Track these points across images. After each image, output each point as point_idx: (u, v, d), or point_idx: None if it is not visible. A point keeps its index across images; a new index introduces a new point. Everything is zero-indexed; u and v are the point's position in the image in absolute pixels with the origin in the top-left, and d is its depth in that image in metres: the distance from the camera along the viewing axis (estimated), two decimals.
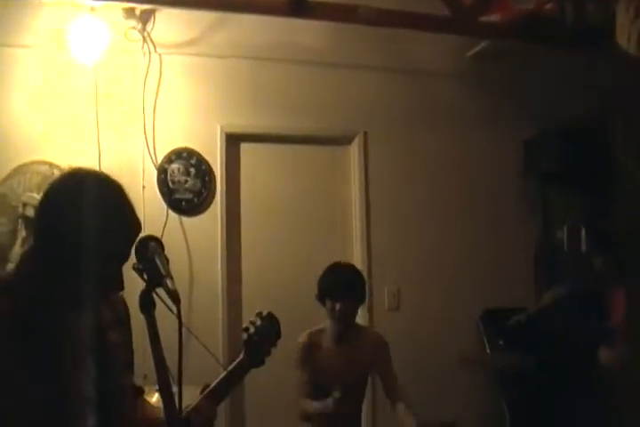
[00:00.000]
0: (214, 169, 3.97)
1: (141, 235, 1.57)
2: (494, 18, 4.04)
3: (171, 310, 1.50)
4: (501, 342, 2.83)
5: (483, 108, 4.50)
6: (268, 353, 1.90)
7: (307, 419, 3.03)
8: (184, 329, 1.45)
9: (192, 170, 3.89)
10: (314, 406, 2.93)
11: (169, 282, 1.50)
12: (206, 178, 3.92)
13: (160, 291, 1.54)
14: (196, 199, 3.89)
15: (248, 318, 1.95)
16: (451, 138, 4.43)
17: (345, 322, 3.06)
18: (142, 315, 1.57)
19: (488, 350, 4.12)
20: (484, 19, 3.97)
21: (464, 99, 4.48)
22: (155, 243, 1.58)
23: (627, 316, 3.37)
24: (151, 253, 1.55)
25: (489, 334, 4.17)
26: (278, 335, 1.93)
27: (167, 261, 1.56)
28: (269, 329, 1.91)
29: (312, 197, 4.22)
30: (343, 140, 4.32)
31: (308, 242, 4.17)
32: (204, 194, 3.91)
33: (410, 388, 3.14)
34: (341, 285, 2.99)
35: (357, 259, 4.17)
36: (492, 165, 4.50)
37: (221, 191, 3.96)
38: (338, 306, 2.98)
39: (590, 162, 4.20)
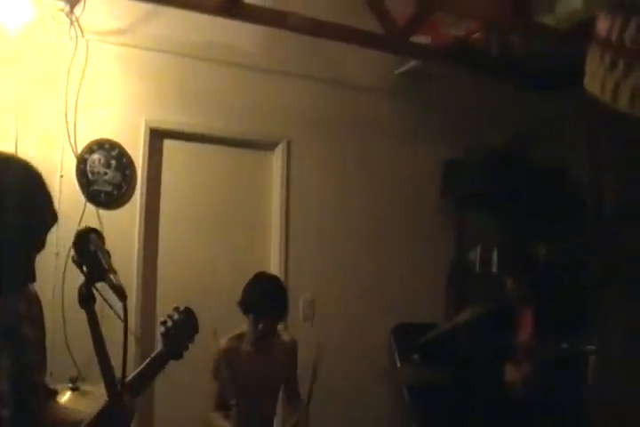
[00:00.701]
0: (136, 163, 3.81)
1: (81, 227, 1.52)
2: (425, 40, 4.14)
3: (110, 306, 1.46)
4: (416, 357, 2.83)
5: (408, 125, 4.58)
6: (186, 347, 1.86)
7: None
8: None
9: (113, 162, 3.73)
10: (216, 424, 2.87)
11: (113, 277, 1.44)
12: (127, 171, 3.77)
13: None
14: (115, 192, 3.73)
15: (162, 317, 1.92)
16: (374, 153, 4.48)
17: (266, 338, 3.03)
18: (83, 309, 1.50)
19: (398, 364, 4.17)
20: (415, 39, 4.05)
21: (390, 115, 4.55)
22: (95, 235, 1.51)
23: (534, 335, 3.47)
24: (93, 247, 1.48)
25: (400, 347, 4.22)
26: (196, 329, 1.91)
27: (109, 255, 1.50)
28: (187, 323, 1.89)
29: (233, 200, 4.14)
30: (267, 146, 4.27)
31: (226, 245, 4.08)
32: (124, 188, 3.76)
33: (323, 398, 3.10)
34: (266, 302, 2.93)
35: (274, 266, 4.12)
36: (412, 183, 4.58)
37: (142, 186, 3.81)
38: (261, 325, 2.94)
39: (508, 185, 4.32)
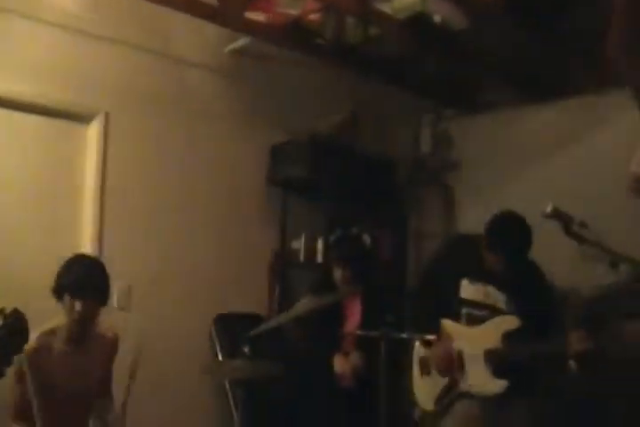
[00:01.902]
0: None
1: None
2: (260, 17, 3.97)
3: None
4: (247, 349, 2.68)
5: (236, 107, 4.38)
6: (9, 362, 1.53)
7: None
8: None
9: None
10: None
11: None
12: None
13: None
14: None
15: None
16: (200, 133, 4.23)
17: (85, 324, 2.67)
18: None
19: (220, 356, 4.00)
20: (249, 15, 3.87)
21: (218, 94, 4.32)
22: None
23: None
24: None
25: (222, 339, 4.05)
26: (25, 338, 1.57)
27: None
28: (14, 330, 1.56)
29: (40, 175, 3.68)
30: (83, 118, 3.84)
31: (31, 227, 3.62)
32: None
33: (140, 392, 2.83)
34: (85, 281, 2.60)
35: (86, 249, 3.72)
36: (238, 167, 4.40)
37: None
38: (78, 306, 2.58)
39: (333, 173, 4.29)
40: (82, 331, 2.69)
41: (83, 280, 2.60)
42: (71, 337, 2.68)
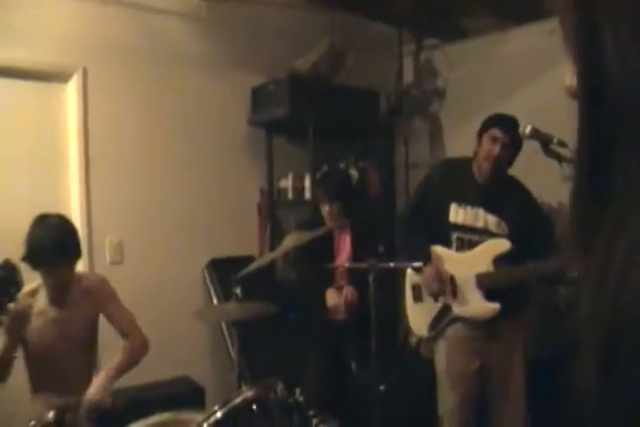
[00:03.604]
0: None
1: None
2: None
3: None
4: (238, 291, 2.70)
5: (214, 51, 4.33)
6: (6, 310, 1.55)
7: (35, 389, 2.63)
8: None
9: None
10: None
11: None
12: None
13: None
14: None
15: None
16: (178, 81, 4.18)
17: (62, 286, 2.66)
18: None
19: (215, 301, 4.06)
20: None
21: (195, 41, 4.26)
22: None
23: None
24: None
25: (216, 283, 4.10)
26: (19, 286, 1.58)
27: None
28: (7, 279, 1.56)
29: (24, 139, 3.67)
30: (60, 77, 3.80)
31: (20, 188, 3.63)
32: None
33: None
34: (56, 251, 2.50)
35: (75, 207, 3.77)
36: (219, 112, 4.36)
37: None
38: (56, 275, 2.57)
39: (316, 111, 4.23)
40: (61, 292, 2.68)
41: (53, 250, 2.49)
42: (52, 298, 2.68)
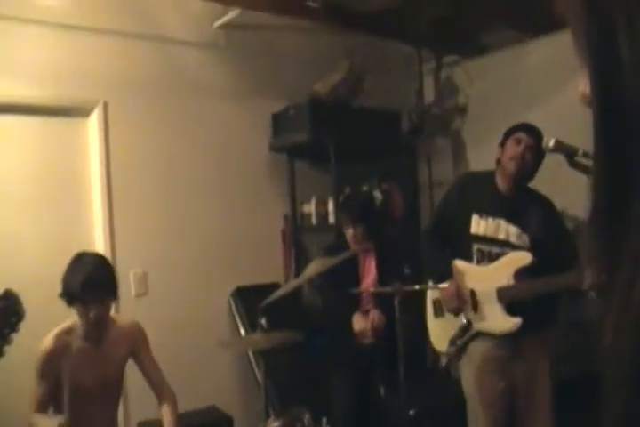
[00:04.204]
0: None
1: None
2: None
3: None
4: (263, 321, 2.65)
5: (232, 80, 4.35)
6: (7, 339, 1.52)
7: None
8: None
9: None
10: (41, 423, 2.47)
11: None
12: None
13: None
14: None
15: None
16: (198, 110, 4.20)
17: (100, 324, 2.63)
18: None
19: (242, 329, 4.01)
20: None
21: (212, 70, 4.29)
22: None
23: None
24: None
25: (242, 312, 4.06)
26: (20, 316, 1.56)
27: None
28: (7, 309, 1.54)
29: (47, 175, 3.70)
30: (81, 112, 3.84)
31: (45, 224, 3.66)
32: None
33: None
34: (92, 287, 2.51)
35: (99, 243, 3.78)
36: (241, 139, 4.37)
37: None
38: (92, 314, 2.55)
39: (337, 134, 4.21)
40: (98, 330, 2.66)
41: (90, 286, 2.50)
42: (88, 336, 2.65)
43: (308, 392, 3.27)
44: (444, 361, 3.27)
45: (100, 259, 2.71)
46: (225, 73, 4.32)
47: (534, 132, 2.92)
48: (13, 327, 1.65)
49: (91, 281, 2.51)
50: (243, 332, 4.01)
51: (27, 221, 3.61)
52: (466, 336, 2.97)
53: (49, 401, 2.59)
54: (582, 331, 3.53)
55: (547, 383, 2.93)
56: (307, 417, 2.33)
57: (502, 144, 2.99)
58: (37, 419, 2.51)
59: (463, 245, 3.00)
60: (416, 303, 3.16)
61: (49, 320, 2.70)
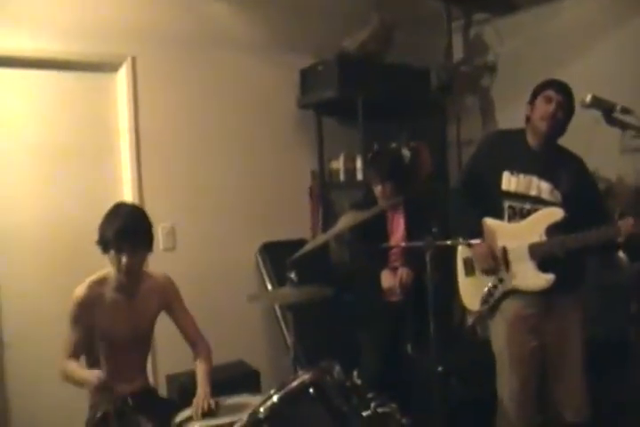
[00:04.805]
0: None
1: None
2: None
3: None
4: (293, 275, 2.65)
5: (260, 34, 4.29)
6: None
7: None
8: None
9: None
10: (79, 374, 2.51)
11: None
12: None
13: None
14: None
15: None
16: (226, 65, 4.15)
17: (133, 274, 2.65)
18: None
19: (269, 285, 4.03)
20: None
21: (241, 24, 4.23)
22: None
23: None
24: None
25: (268, 267, 4.08)
26: None
27: None
28: None
29: (76, 130, 3.69)
30: (109, 67, 3.81)
31: (74, 176, 3.67)
32: None
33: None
34: (127, 235, 2.54)
35: (128, 194, 3.79)
36: (269, 94, 4.33)
37: None
38: (124, 260, 2.56)
39: (366, 90, 4.15)
40: (131, 281, 2.68)
41: (124, 234, 2.53)
42: (121, 287, 2.68)
43: (336, 348, 3.29)
44: (470, 320, 3.26)
45: (137, 210, 2.75)
46: (254, 27, 4.25)
47: (564, 89, 2.85)
48: None
49: (125, 229, 2.54)
50: (270, 287, 4.03)
51: (56, 175, 3.62)
52: (498, 294, 2.95)
53: (82, 348, 2.62)
54: (611, 294, 3.52)
55: (578, 342, 2.91)
56: (337, 370, 2.33)
57: (531, 102, 2.93)
58: (74, 368, 2.54)
59: (494, 202, 2.96)
60: (445, 261, 3.13)
61: (82, 270, 2.75)
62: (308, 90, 4.39)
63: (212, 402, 2.52)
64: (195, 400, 2.55)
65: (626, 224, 2.61)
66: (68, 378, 2.55)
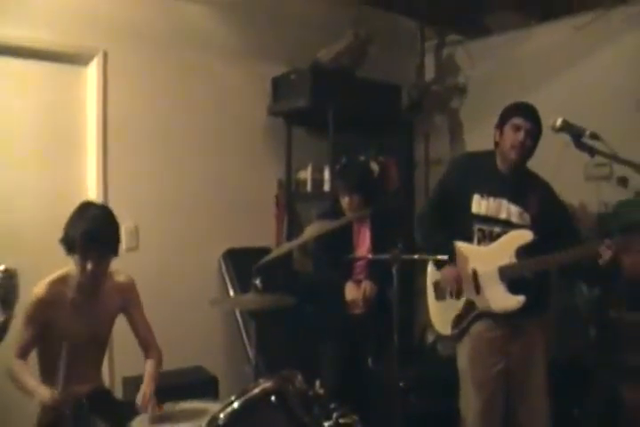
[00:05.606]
0: None
1: None
2: None
3: None
4: (258, 282, 2.63)
5: (235, 39, 4.29)
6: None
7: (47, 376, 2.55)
8: None
9: None
10: (32, 385, 2.42)
11: None
12: None
13: None
14: None
15: None
16: (199, 67, 4.13)
17: (96, 278, 2.57)
18: None
19: (230, 290, 4.00)
20: None
21: (216, 27, 4.22)
22: None
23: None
24: None
25: (231, 273, 4.05)
26: (16, 296, 1.52)
27: None
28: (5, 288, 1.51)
29: (41, 121, 3.61)
30: (80, 59, 3.73)
31: (37, 172, 3.58)
32: None
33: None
34: (94, 242, 2.45)
35: (92, 193, 3.71)
36: (239, 99, 4.32)
37: None
38: (90, 266, 2.48)
39: (337, 102, 4.17)
40: (93, 284, 2.60)
41: (91, 241, 2.44)
42: (82, 287, 2.59)
43: (296, 358, 3.27)
44: (431, 338, 3.28)
45: (105, 213, 2.61)
46: (228, 32, 4.25)
47: (531, 115, 2.87)
48: (10, 305, 1.60)
49: (92, 234, 2.44)
50: (232, 293, 4.00)
51: (19, 165, 3.52)
52: (469, 317, 2.96)
53: (32, 348, 2.55)
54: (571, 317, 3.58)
55: (542, 365, 2.93)
56: (299, 379, 2.31)
57: (499, 127, 2.94)
58: (28, 377, 2.46)
59: (464, 225, 2.98)
60: (405, 277, 3.14)
61: (44, 267, 2.67)
62: (279, 98, 4.38)
63: (153, 403, 2.46)
64: (137, 398, 2.49)
65: (606, 245, 2.63)
66: (16, 381, 2.47)
